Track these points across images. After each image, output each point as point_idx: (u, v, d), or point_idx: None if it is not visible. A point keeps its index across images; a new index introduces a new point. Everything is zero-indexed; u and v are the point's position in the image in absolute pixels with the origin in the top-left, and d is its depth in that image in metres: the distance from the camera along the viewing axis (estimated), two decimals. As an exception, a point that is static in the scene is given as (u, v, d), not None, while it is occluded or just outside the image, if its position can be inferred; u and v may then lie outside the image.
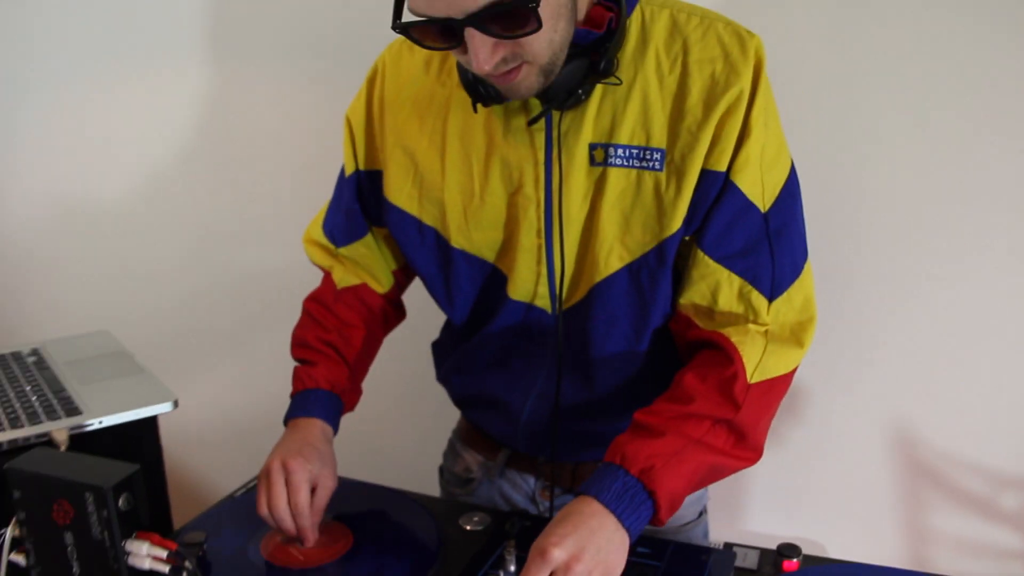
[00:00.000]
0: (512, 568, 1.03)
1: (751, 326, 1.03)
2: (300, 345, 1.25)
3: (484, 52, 0.92)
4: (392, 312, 1.34)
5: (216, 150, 2.13)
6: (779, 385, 1.04)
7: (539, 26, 0.89)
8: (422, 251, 1.19)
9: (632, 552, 1.06)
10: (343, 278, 1.27)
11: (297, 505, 1.06)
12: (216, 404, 2.21)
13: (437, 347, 1.35)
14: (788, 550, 1.05)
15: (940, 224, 1.48)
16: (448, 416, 1.45)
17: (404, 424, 2.01)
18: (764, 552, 1.08)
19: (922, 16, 1.42)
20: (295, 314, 1.30)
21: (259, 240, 2.12)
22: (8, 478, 0.92)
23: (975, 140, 1.44)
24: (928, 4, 1.41)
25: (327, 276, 1.29)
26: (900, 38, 1.44)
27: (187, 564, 0.87)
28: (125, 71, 2.20)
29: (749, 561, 1.06)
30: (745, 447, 1.02)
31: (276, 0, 1.89)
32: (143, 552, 0.88)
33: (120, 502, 0.88)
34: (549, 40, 0.94)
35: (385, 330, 1.34)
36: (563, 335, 1.13)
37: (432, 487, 1.44)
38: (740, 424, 1.00)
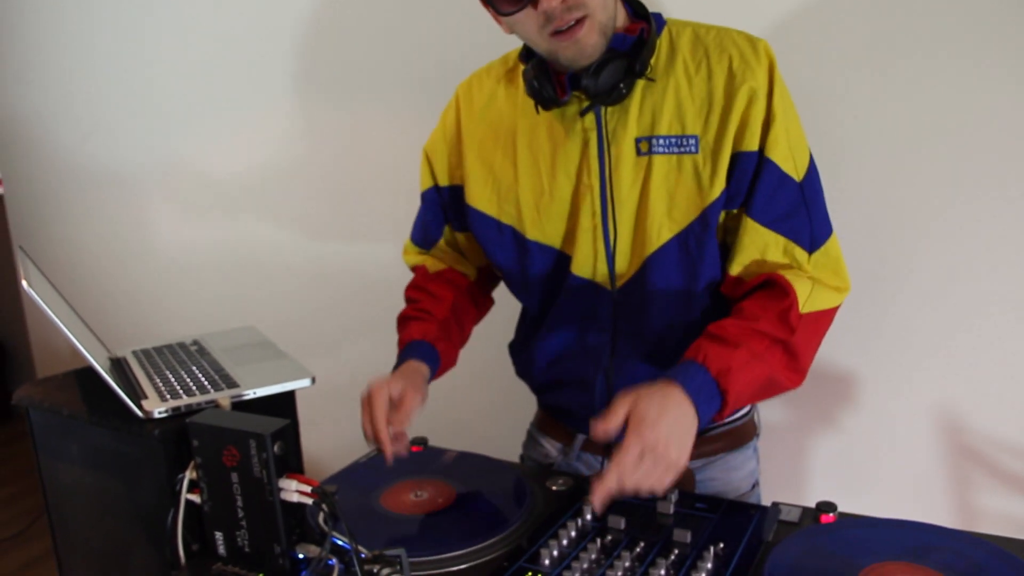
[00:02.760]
0: (588, 517, 1.23)
1: (797, 271, 1.23)
2: (400, 321, 1.48)
3: None
4: (479, 294, 1.56)
5: (339, 171, 2.39)
6: (824, 318, 1.24)
7: None
8: (501, 247, 1.41)
9: (691, 507, 1.25)
10: (433, 265, 1.52)
11: (374, 420, 1.27)
12: (341, 389, 2.46)
13: (513, 346, 1.55)
14: (825, 506, 1.22)
15: (985, 214, 1.59)
16: (526, 413, 1.64)
17: (487, 423, 2.20)
18: (805, 509, 1.25)
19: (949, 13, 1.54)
20: (394, 309, 1.51)
21: (377, 248, 2.36)
22: (189, 430, 1.16)
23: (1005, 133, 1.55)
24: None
25: (422, 268, 1.53)
26: (928, 36, 1.56)
27: (327, 495, 1.10)
28: (260, 104, 2.47)
29: (791, 516, 1.23)
30: (795, 368, 1.22)
31: (397, 44, 2.13)
32: (292, 488, 1.11)
33: (275, 448, 1.10)
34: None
35: (475, 306, 1.55)
36: (622, 308, 1.32)
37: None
38: (794, 346, 1.20)
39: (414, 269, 1.56)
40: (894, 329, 1.69)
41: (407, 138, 2.17)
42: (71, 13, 2.86)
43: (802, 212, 1.24)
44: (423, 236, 1.54)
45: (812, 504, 1.25)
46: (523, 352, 1.50)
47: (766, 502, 1.50)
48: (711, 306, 1.32)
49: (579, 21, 1.18)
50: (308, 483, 1.11)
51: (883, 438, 1.75)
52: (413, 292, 1.51)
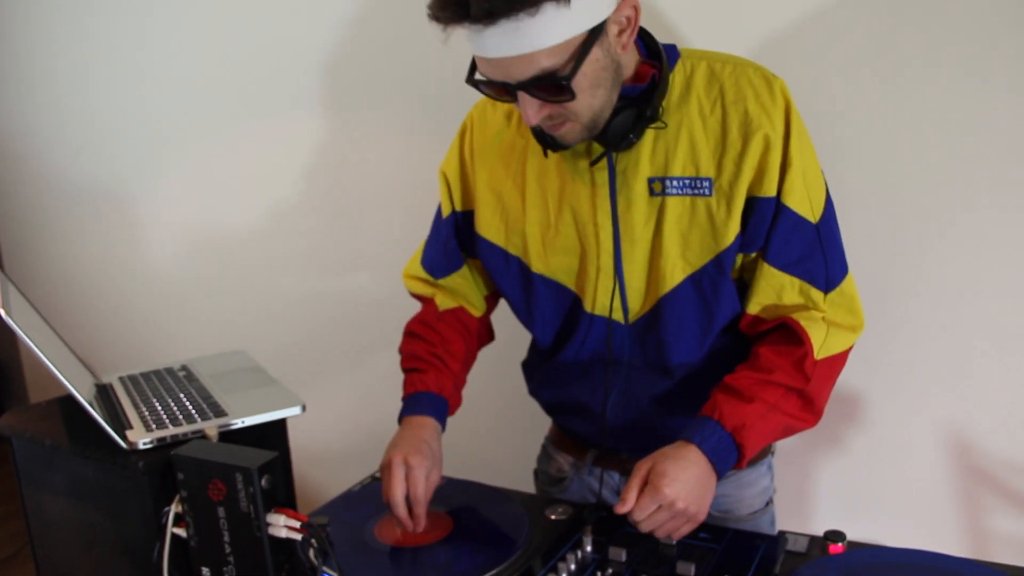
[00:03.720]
0: (588, 548, 1.19)
1: (813, 312, 1.21)
2: (410, 357, 1.44)
3: (532, 110, 1.14)
4: (485, 332, 1.54)
5: (331, 194, 2.36)
6: (839, 360, 1.24)
7: (573, 97, 1.11)
8: (508, 277, 1.38)
9: (695, 536, 1.21)
10: (444, 302, 1.47)
11: (416, 496, 1.24)
12: (334, 415, 2.42)
13: (526, 366, 1.53)
14: (834, 535, 1.18)
15: (996, 230, 1.56)
16: (540, 426, 1.61)
17: (502, 435, 2.16)
18: (813, 538, 1.21)
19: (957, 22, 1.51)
20: (391, 336, 1.49)
21: (372, 272, 2.32)
22: (174, 462, 1.12)
23: (1013, 143, 1.52)
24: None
25: (429, 302, 1.48)
26: (931, 40, 1.53)
27: (317, 530, 1.06)
28: (254, 122, 2.44)
29: (799, 546, 1.19)
30: (811, 411, 1.22)
31: (391, 61, 2.10)
32: (280, 523, 1.07)
33: (263, 481, 1.06)
34: (588, 104, 1.15)
35: (479, 347, 1.53)
36: (638, 341, 1.30)
37: (529, 489, 1.60)
38: (809, 393, 1.20)
39: (420, 299, 1.52)
40: (903, 348, 1.65)
41: (406, 156, 2.16)
42: (62, 26, 2.82)
43: (818, 254, 1.23)
44: (442, 263, 1.47)
45: (818, 530, 1.21)
46: (534, 374, 1.49)
47: (776, 524, 1.47)
48: (728, 342, 1.31)
49: (560, 123, 1.18)
50: (297, 518, 1.07)
51: (892, 460, 1.71)
52: (424, 330, 1.45)
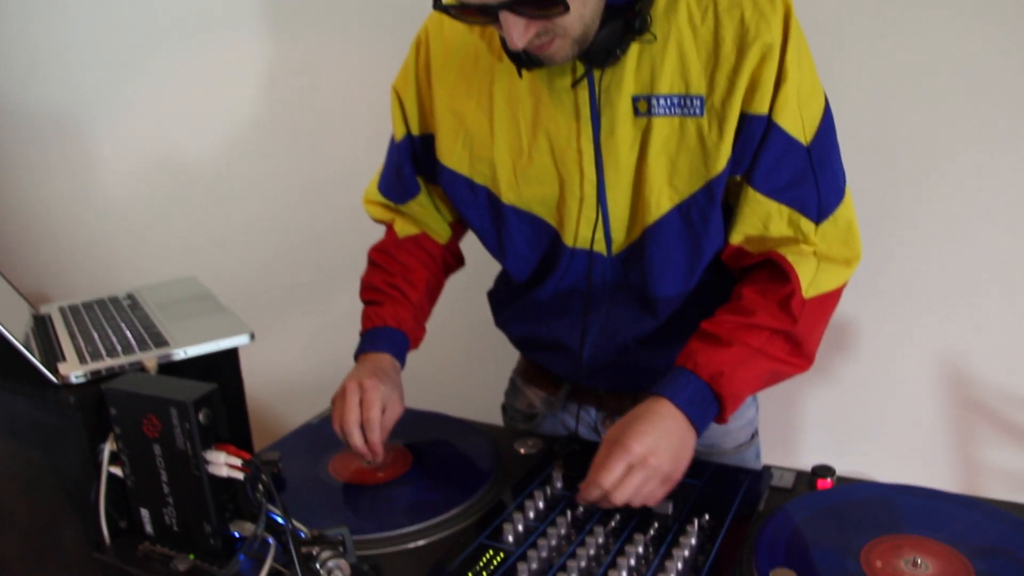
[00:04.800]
0: (559, 484, 1.10)
1: (803, 246, 1.10)
2: (368, 288, 1.34)
3: (517, 31, 0.99)
4: (451, 259, 1.42)
5: (292, 117, 2.24)
6: (830, 299, 1.12)
7: (567, 9, 0.97)
8: (475, 208, 1.26)
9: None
10: (403, 228, 1.36)
11: (369, 420, 1.15)
12: (299, 346, 2.34)
13: (493, 297, 1.42)
14: (822, 470, 1.10)
15: (989, 161, 1.48)
16: (512, 357, 1.52)
17: (470, 367, 2.09)
18: (800, 473, 1.13)
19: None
20: (357, 270, 1.38)
21: (334, 199, 2.22)
22: (106, 397, 1.03)
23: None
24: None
25: (389, 228, 1.38)
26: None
27: (260, 468, 0.97)
28: (207, 44, 2.31)
29: (785, 481, 1.11)
30: (800, 355, 1.11)
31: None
32: (220, 461, 0.98)
33: (200, 416, 0.97)
34: (580, 15, 1.01)
35: (446, 274, 1.43)
36: (622, 274, 1.20)
37: (498, 424, 1.51)
38: (797, 335, 1.09)
39: (382, 223, 1.41)
40: (898, 275, 1.57)
41: (368, 78, 2.03)
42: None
43: (809, 180, 1.10)
44: (397, 189, 1.35)
45: (806, 465, 1.13)
46: (503, 308, 1.38)
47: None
48: (716, 278, 1.20)
49: (549, 41, 1.03)
50: (239, 455, 0.98)
51: (883, 391, 1.64)
52: (383, 259, 1.36)
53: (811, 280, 1.09)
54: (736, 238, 1.13)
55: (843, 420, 1.69)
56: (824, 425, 1.71)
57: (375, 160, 1.43)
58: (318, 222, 2.28)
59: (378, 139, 1.80)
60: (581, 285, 1.23)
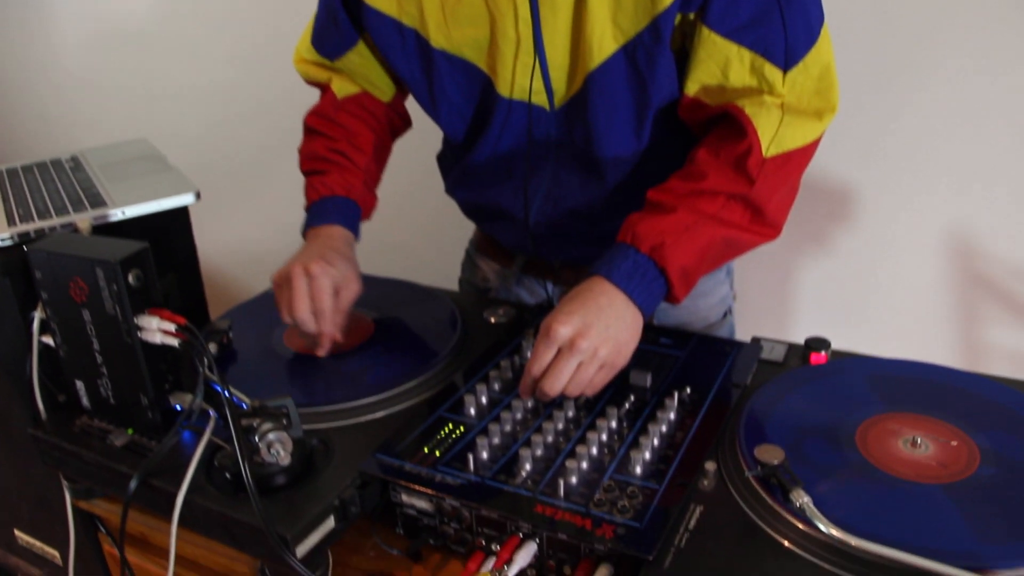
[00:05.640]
0: (529, 355, 1.01)
1: (766, 97, 0.96)
2: (309, 158, 1.22)
3: None
4: (398, 120, 1.30)
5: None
6: (796, 158, 0.98)
7: None
8: (403, 55, 1.12)
9: (654, 342, 1.04)
10: (342, 87, 1.23)
11: (321, 309, 1.04)
12: (265, 212, 2.25)
13: (440, 160, 1.31)
14: (816, 343, 1.01)
15: (1010, 22, 1.35)
16: (467, 228, 1.43)
17: (427, 238, 2.00)
18: (792, 346, 1.04)
19: None
20: None
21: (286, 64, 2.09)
22: (29, 259, 0.93)
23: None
24: None
25: (326, 89, 1.24)
26: None
27: (195, 334, 0.88)
28: None
29: (775, 354, 1.03)
30: (762, 223, 0.98)
31: None
32: (153, 326, 0.89)
33: (130, 278, 0.88)
34: None
35: (393, 137, 1.30)
36: (565, 131, 1.08)
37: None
38: (755, 199, 0.96)
39: (317, 86, 1.27)
40: (900, 137, 1.46)
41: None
42: None
43: (774, 17, 0.94)
44: (333, 39, 1.20)
45: (799, 339, 1.04)
46: (449, 171, 1.27)
47: (742, 336, 1.30)
48: (670, 137, 1.07)
49: None
50: (174, 320, 0.89)
51: (882, 263, 1.55)
52: (322, 124, 1.22)
53: (773, 136, 0.95)
54: (692, 87, 1.00)
55: (840, 293, 1.60)
56: (819, 298, 1.63)
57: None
58: (279, 83, 2.15)
59: None
60: (522, 145, 1.11)
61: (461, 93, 1.12)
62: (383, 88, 1.24)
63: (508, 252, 1.29)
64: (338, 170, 1.18)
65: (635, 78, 1.01)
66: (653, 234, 0.93)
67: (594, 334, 0.88)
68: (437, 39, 1.08)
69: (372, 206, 1.24)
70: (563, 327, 0.88)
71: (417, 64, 1.12)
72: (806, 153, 0.99)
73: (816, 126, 0.98)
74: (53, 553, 1.21)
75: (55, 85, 2.65)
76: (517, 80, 1.06)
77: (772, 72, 0.95)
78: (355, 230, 1.17)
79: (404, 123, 1.31)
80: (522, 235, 1.19)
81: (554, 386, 0.88)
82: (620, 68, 1.00)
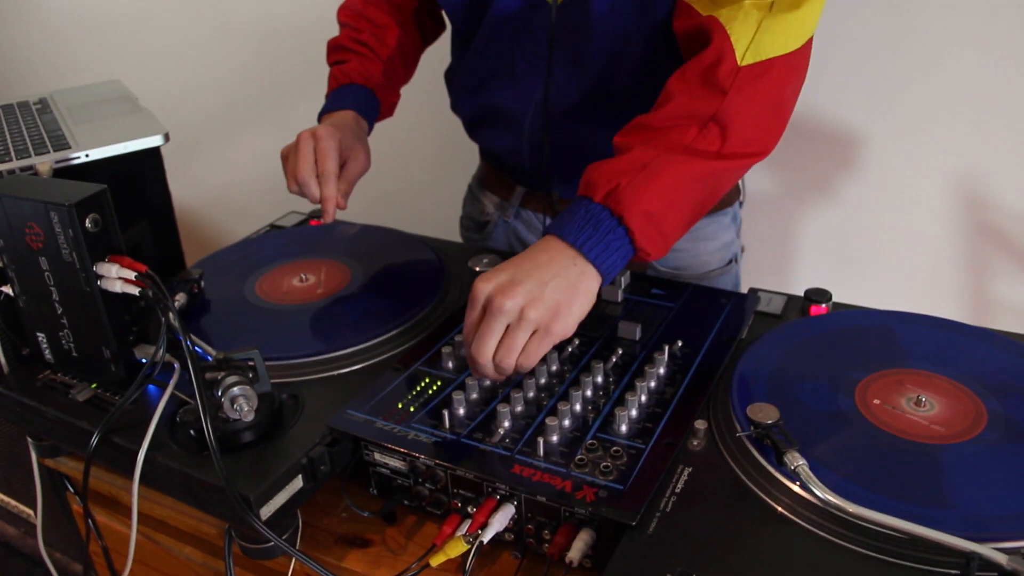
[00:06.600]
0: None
1: (744, 2, 0.86)
2: (334, 49, 1.21)
3: None
4: (427, 19, 1.27)
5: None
6: (779, 68, 0.86)
7: None
8: None
9: (646, 293, 0.99)
10: None
11: (324, 172, 1.00)
12: (253, 155, 2.19)
13: (448, 73, 1.26)
14: (816, 295, 0.96)
15: None
16: (464, 179, 1.41)
17: (432, 184, 1.95)
18: (791, 298, 0.99)
19: None
20: (322, 74, 1.22)
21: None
22: (-18, 203, 0.88)
23: None
24: None
25: None
26: None
27: (156, 281, 0.83)
28: None
29: (773, 306, 0.98)
30: (740, 144, 0.86)
31: None
32: (113, 274, 0.84)
33: (87, 223, 0.83)
34: None
35: (422, 36, 1.27)
36: (563, 28, 1.02)
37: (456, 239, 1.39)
38: (728, 114, 0.84)
39: None
40: (909, 77, 1.37)
41: None
42: None
43: None
44: None
45: (798, 290, 0.99)
46: (454, 79, 1.23)
47: (744, 286, 1.25)
48: (668, 45, 0.98)
49: None
50: (134, 267, 0.84)
51: (888, 212, 1.48)
52: (350, 17, 1.21)
53: (750, 41, 0.85)
54: None
55: (844, 243, 1.53)
56: (823, 248, 1.56)
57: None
58: (270, 24, 2.08)
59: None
60: (522, 37, 1.05)
61: None
62: None
63: (508, 184, 1.26)
64: (358, 59, 1.17)
65: None
66: (607, 178, 0.83)
67: (521, 292, 0.77)
68: None
69: (393, 102, 1.23)
70: (484, 283, 0.79)
71: None
72: (790, 65, 0.87)
73: (800, 24, 0.86)
74: (28, 511, 1.18)
75: (35, 24, 2.57)
76: None
77: None
78: (369, 116, 1.15)
79: (436, 24, 1.29)
80: (518, 139, 1.13)
81: (480, 352, 0.78)
82: None
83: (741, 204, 1.23)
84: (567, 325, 0.79)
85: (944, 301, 1.49)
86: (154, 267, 0.86)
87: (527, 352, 0.78)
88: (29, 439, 1.00)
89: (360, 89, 1.15)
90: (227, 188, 2.28)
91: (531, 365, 0.78)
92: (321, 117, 1.14)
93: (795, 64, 0.88)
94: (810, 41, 0.90)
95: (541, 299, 0.77)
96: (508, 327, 0.77)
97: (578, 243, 0.81)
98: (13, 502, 1.18)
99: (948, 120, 1.37)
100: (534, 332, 0.77)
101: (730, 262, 1.22)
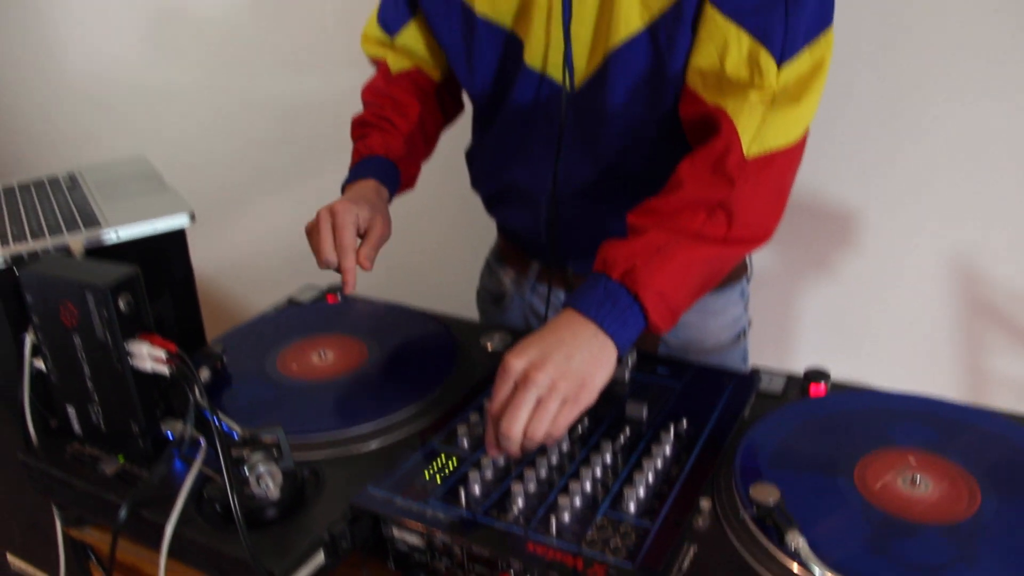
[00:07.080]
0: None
1: (752, 93, 0.93)
2: (357, 125, 1.26)
3: None
4: (448, 99, 1.32)
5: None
6: (780, 160, 0.94)
7: None
8: (447, 22, 1.14)
9: (652, 372, 1.03)
10: (397, 62, 1.26)
11: (341, 246, 1.03)
12: (266, 238, 2.24)
13: (469, 155, 1.32)
14: (815, 375, 1.00)
15: (1007, 39, 1.32)
16: (480, 253, 1.45)
17: (446, 258, 1.99)
18: (791, 378, 1.03)
19: None
20: (341, 148, 1.27)
21: (303, 69, 2.09)
22: (21, 282, 0.92)
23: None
24: None
25: (382, 65, 1.28)
26: None
27: (185, 361, 0.87)
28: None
29: (774, 386, 1.01)
30: (745, 230, 0.94)
31: None
32: (144, 353, 0.88)
33: (120, 303, 0.87)
34: None
35: (443, 115, 1.32)
36: (577, 110, 1.08)
37: (473, 315, 1.43)
38: (736, 203, 0.91)
39: (374, 63, 1.31)
40: (905, 159, 1.43)
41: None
42: None
43: (779, 8, 0.92)
44: (393, 14, 1.24)
45: (799, 368, 1.03)
46: (475, 159, 1.29)
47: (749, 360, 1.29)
48: (677, 132, 1.05)
49: None
50: (164, 346, 0.88)
51: (886, 289, 1.52)
52: (374, 95, 1.26)
53: (755, 134, 0.92)
54: (691, 76, 0.98)
55: (842, 320, 1.58)
56: (821, 325, 1.60)
57: (344, 26, 1.29)
58: (290, 100, 2.15)
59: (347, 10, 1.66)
60: (539, 118, 1.11)
61: (495, 59, 1.13)
62: (437, 65, 1.27)
63: (525, 259, 1.30)
64: (380, 133, 1.21)
65: (655, 58, 1.00)
66: (624, 258, 0.90)
67: (551, 366, 0.82)
68: (481, 6, 1.10)
69: (414, 175, 1.26)
70: (516, 359, 0.84)
71: (459, 30, 1.14)
72: (790, 156, 0.95)
73: (797, 116, 0.93)
74: (46, 578, 1.19)
75: (65, 96, 2.65)
76: (538, 48, 1.07)
77: (767, 61, 0.92)
78: (390, 185, 1.19)
79: (456, 104, 1.34)
80: (535, 218, 1.18)
81: (512, 425, 0.81)
82: (642, 47, 1.00)
83: (748, 279, 1.28)
84: (592, 395, 0.85)
85: (942, 376, 1.53)
86: (176, 340, 0.90)
87: (557, 422, 0.83)
88: (55, 508, 1.03)
89: (381, 160, 1.19)
90: (244, 259, 2.33)
91: (560, 435, 0.84)
92: (344, 188, 1.18)
93: (795, 155, 0.96)
94: (807, 130, 0.96)
95: (569, 372, 0.83)
96: (539, 400, 0.82)
97: (598, 318, 0.87)
98: (31, 569, 1.21)
99: (942, 199, 1.43)
100: (562, 403, 0.83)
101: (739, 336, 1.26)
